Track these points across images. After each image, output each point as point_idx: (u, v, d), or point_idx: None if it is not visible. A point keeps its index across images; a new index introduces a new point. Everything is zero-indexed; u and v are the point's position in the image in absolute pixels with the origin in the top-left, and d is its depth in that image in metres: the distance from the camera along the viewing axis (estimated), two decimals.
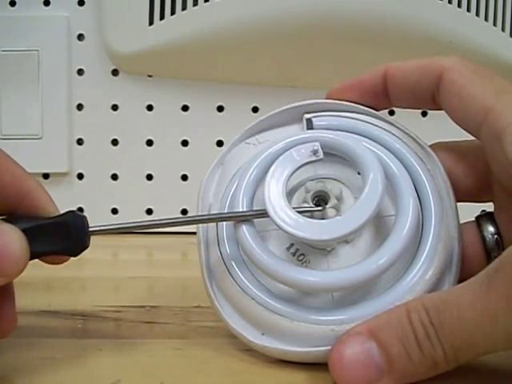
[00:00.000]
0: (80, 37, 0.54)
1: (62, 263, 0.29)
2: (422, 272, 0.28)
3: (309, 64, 0.53)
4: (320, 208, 0.30)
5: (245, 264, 0.30)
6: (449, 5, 0.51)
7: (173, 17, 0.51)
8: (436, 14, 0.51)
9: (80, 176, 0.55)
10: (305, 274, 0.28)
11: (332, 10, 0.50)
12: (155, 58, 0.53)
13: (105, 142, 0.55)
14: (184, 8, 0.51)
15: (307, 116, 0.32)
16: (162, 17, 0.51)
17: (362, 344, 0.25)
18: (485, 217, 0.32)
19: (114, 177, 0.55)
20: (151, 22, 0.52)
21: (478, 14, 0.53)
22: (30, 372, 0.27)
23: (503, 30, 0.54)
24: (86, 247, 0.28)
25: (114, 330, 0.33)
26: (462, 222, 0.31)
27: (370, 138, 0.31)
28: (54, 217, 0.28)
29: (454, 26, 0.52)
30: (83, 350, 0.29)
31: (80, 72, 0.54)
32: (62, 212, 0.28)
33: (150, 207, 0.56)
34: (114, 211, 0.55)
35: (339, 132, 0.31)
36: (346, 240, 0.30)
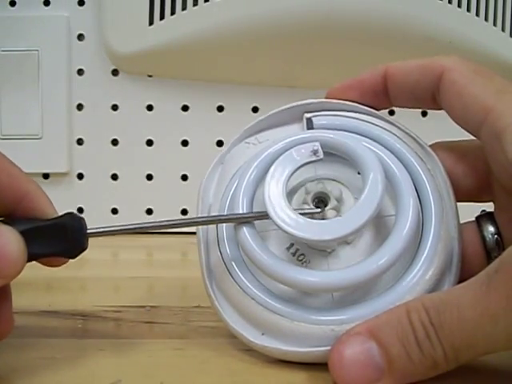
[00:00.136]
0: (80, 37, 0.54)
1: (60, 265, 0.29)
2: (422, 272, 0.28)
3: (309, 64, 0.53)
4: (320, 210, 0.30)
5: (245, 264, 0.30)
6: (449, 5, 0.51)
7: (173, 17, 0.51)
8: (436, 14, 0.51)
9: (80, 176, 0.55)
10: (305, 274, 0.28)
11: (332, 10, 0.50)
12: (155, 58, 0.53)
13: (105, 142, 0.55)
14: (184, 8, 0.51)
15: (307, 115, 0.32)
16: (162, 17, 0.51)
17: (362, 344, 0.25)
18: (485, 217, 0.31)
19: (114, 177, 0.55)
20: (151, 22, 0.52)
21: (478, 14, 0.53)
22: (30, 372, 0.27)
23: (503, 30, 0.54)
24: (83, 249, 0.28)
25: (114, 330, 0.33)
26: (462, 222, 0.31)
27: (370, 138, 0.31)
28: (52, 219, 0.28)
29: (454, 26, 0.52)
30: (83, 350, 0.29)
31: (80, 72, 0.54)
32: (60, 214, 0.28)
33: (150, 207, 0.56)
34: (114, 211, 0.55)
35: (339, 132, 0.31)
36: (346, 241, 0.30)
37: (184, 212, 0.55)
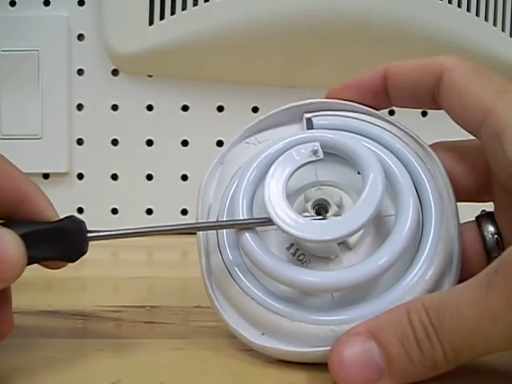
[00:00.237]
0: (80, 37, 0.54)
1: (59, 268, 0.29)
2: (422, 272, 0.28)
3: (309, 64, 0.53)
4: (321, 217, 0.30)
5: (245, 264, 0.30)
6: (449, 5, 0.51)
7: (173, 17, 0.51)
8: (436, 13, 0.51)
9: (80, 176, 0.55)
10: (305, 274, 0.28)
11: (332, 10, 0.50)
12: (155, 58, 0.53)
13: (105, 142, 0.55)
14: (184, 8, 0.51)
15: (307, 115, 0.32)
16: (162, 17, 0.51)
17: (362, 344, 0.25)
18: (485, 217, 0.31)
19: (114, 177, 0.55)
20: (151, 22, 0.52)
21: (478, 14, 0.53)
22: (30, 372, 0.27)
23: (503, 30, 0.54)
24: (83, 253, 0.28)
25: (114, 330, 0.33)
26: (462, 222, 0.31)
27: (370, 138, 0.31)
28: (53, 222, 0.28)
29: (454, 26, 0.52)
30: (83, 350, 0.29)
31: (80, 72, 0.54)
32: (61, 216, 0.28)
33: (150, 207, 0.56)
34: (114, 211, 0.55)
35: (339, 132, 0.31)
36: (348, 246, 0.30)
37: (184, 212, 0.55)
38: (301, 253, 0.30)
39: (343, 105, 0.32)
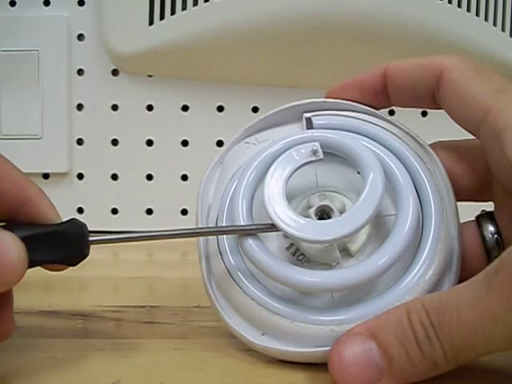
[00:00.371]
0: (80, 37, 0.54)
1: (60, 271, 0.29)
2: (422, 272, 0.28)
3: (309, 64, 0.53)
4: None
5: (245, 264, 0.30)
6: (449, 5, 0.51)
7: (173, 17, 0.51)
8: (436, 14, 0.51)
9: (80, 176, 0.55)
10: (304, 274, 0.28)
11: (332, 10, 0.50)
12: (155, 58, 0.53)
13: (105, 142, 0.55)
14: (184, 8, 0.51)
15: (307, 115, 0.32)
16: (162, 17, 0.51)
17: (362, 344, 0.25)
18: (485, 216, 0.31)
19: (114, 177, 0.55)
20: (151, 22, 0.52)
21: (477, 14, 0.53)
22: (30, 372, 0.27)
23: (503, 30, 0.54)
24: (85, 257, 0.28)
25: (114, 330, 0.33)
26: (461, 221, 0.31)
27: (369, 138, 0.31)
28: (54, 225, 0.27)
29: (454, 26, 0.52)
30: (83, 350, 0.29)
31: (80, 72, 0.54)
32: (62, 218, 0.28)
33: (150, 207, 0.56)
34: (114, 211, 0.55)
35: (339, 131, 0.31)
36: (350, 254, 0.30)
37: (184, 212, 0.55)
38: (300, 253, 0.30)
39: (343, 104, 0.32)
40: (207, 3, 0.50)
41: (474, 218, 0.32)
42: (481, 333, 0.24)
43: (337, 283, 0.27)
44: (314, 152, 0.30)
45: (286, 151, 0.30)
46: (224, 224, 0.30)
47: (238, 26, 0.51)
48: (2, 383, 0.26)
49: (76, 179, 0.55)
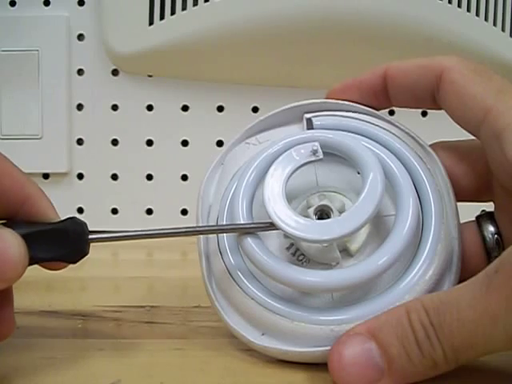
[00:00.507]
0: (80, 37, 0.54)
1: (60, 269, 0.29)
2: (421, 272, 0.28)
3: (309, 64, 0.53)
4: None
5: (245, 264, 0.30)
6: (449, 5, 0.51)
7: (173, 17, 0.51)
8: (436, 14, 0.51)
9: (80, 176, 0.55)
10: (305, 274, 0.28)
11: (332, 10, 0.50)
12: (155, 58, 0.53)
13: (105, 142, 0.55)
14: (184, 8, 0.51)
15: (307, 116, 0.32)
16: (162, 17, 0.51)
17: (362, 344, 0.25)
18: (485, 217, 0.31)
19: (114, 177, 0.55)
20: (151, 22, 0.52)
21: (477, 14, 0.53)
22: (30, 372, 0.27)
23: (503, 30, 0.54)
24: (85, 255, 0.28)
25: (114, 330, 0.33)
26: (462, 221, 0.31)
27: (369, 138, 0.31)
28: (54, 223, 0.28)
29: (454, 26, 0.52)
30: (83, 350, 0.29)
31: (80, 72, 0.54)
32: (62, 218, 0.28)
33: (150, 207, 0.56)
34: (114, 211, 0.55)
35: (339, 132, 0.31)
36: (350, 254, 0.30)
37: (184, 212, 0.55)
38: (300, 253, 0.30)
39: (343, 105, 0.32)
40: (207, 3, 0.50)
41: (474, 218, 0.32)
42: (481, 333, 0.24)
43: (337, 283, 0.27)
44: (314, 152, 0.30)
45: (286, 151, 0.30)
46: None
47: (238, 25, 0.51)
48: (2, 383, 0.26)
49: (76, 179, 0.55)
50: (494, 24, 0.53)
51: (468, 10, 0.52)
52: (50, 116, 0.53)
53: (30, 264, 0.26)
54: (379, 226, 0.30)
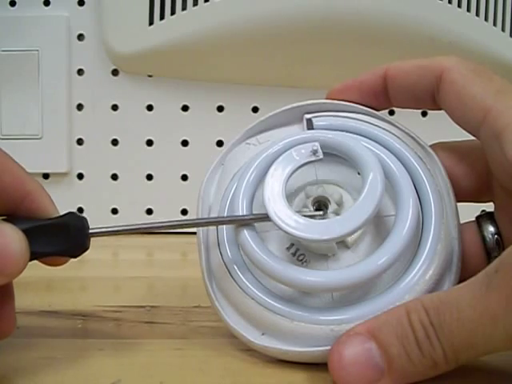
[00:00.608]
0: (80, 37, 0.54)
1: (61, 265, 0.29)
2: (421, 272, 0.28)
3: (309, 64, 0.53)
4: (321, 213, 0.30)
5: (245, 264, 0.30)
6: (449, 5, 0.51)
7: (173, 17, 0.51)
8: (436, 14, 0.51)
9: (80, 176, 0.55)
10: (305, 274, 0.28)
11: (332, 10, 0.50)
12: (155, 58, 0.53)
13: (105, 142, 0.55)
14: (184, 8, 0.51)
15: (307, 116, 0.32)
16: (162, 17, 0.51)
17: (362, 344, 0.25)
18: (485, 217, 0.32)
19: (114, 177, 0.55)
20: (151, 22, 0.52)
21: (477, 14, 0.53)
22: (30, 372, 0.27)
23: (503, 30, 0.54)
24: (86, 249, 0.28)
25: (114, 330, 0.33)
26: (462, 222, 0.31)
27: (370, 138, 0.31)
28: (54, 218, 0.28)
29: (454, 26, 0.52)
30: (83, 350, 0.29)
31: (80, 72, 0.54)
32: (62, 213, 0.28)
33: (150, 207, 0.56)
34: (114, 211, 0.55)
35: (339, 132, 0.31)
36: (346, 245, 0.30)
37: (184, 212, 0.55)
38: (301, 253, 0.30)
39: (343, 105, 0.32)
40: (207, 3, 0.51)
41: (474, 219, 0.32)
42: (481, 332, 0.24)
43: (337, 283, 0.27)
44: (314, 152, 0.30)
45: (286, 151, 0.30)
46: (225, 227, 0.30)
47: (237, 25, 0.51)
48: (2, 382, 0.26)
49: (76, 179, 0.55)
50: (494, 24, 0.53)
51: (468, 9, 0.52)
52: (49, 116, 0.54)
53: (31, 259, 0.26)
54: (379, 226, 0.30)
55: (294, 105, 0.33)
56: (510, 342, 0.24)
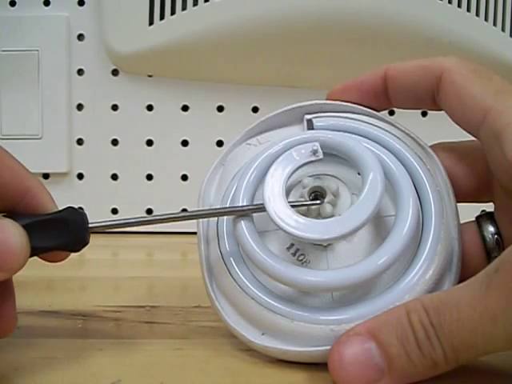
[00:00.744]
0: (80, 37, 0.54)
1: (62, 260, 0.29)
2: (421, 272, 0.28)
3: (309, 64, 0.53)
4: (318, 202, 0.30)
5: (244, 264, 0.30)
6: (449, 5, 0.51)
7: (173, 17, 0.51)
8: (436, 14, 0.51)
9: (80, 176, 0.55)
10: (305, 273, 0.28)
11: (332, 10, 0.50)
12: (155, 58, 0.53)
13: (105, 142, 0.55)
14: (184, 8, 0.51)
15: (308, 117, 0.32)
16: (162, 17, 0.51)
17: (362, 344, 0.25)
18: (485, 217, 0.32)
19: (114, 177, 0.55)
20: (151, 22, 0.52)
21: (477, 14, 0.53)
22: (30, 372, 0.27)
23: (503, 30, 0.54)
24: (86, 243, 0.28)
25: (114, 330, 0.33)
26: (462, 222, 0.31)
27: (370, 139, 0.31)
28: (54, 213, 0.28)
29: (454, 26, 0.52)
30: (83, 350, 0.29)
31: (80, 72, 0.54)
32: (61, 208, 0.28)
33: (150, 207, 0.56)
34: (114, 211, 0.55)
35: (339, 133, 0.31)
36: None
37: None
38: (301, 253, 0.30)
39: (343, 106, 0.32)
40: (207, 3, 0.51)
41: (474, 219, 0.32)
42: (481, 332, 0.24)
43: (337, 283, 0.27)
44: (314, 152, 0.30)
45: (286, 151, 0.30)
46: (225, 225, 0.31)
47: (238, 25, 0.51)
48: (2, 382, 0.26)
49: (76, 179, 0.55)
50: (494, 24, 0.53)
51: (468, 9, 0.52)
52: (49, 116, 0.54)
53: (32, 255, 0.26)
54: (379, 226, 0.30)
55: (295, 105, 0.33)
56: (509, 341, 0.24)
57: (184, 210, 0.55)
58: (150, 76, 0.54)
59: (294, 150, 0.30)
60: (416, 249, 0.29)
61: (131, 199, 0.56)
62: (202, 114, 0.55)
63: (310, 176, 0.31)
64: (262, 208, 0.29)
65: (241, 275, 0.30)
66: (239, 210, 0.29)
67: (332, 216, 0.29)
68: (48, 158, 0.54)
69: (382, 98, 0.32)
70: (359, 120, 0.32)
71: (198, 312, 0.35)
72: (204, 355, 0.29)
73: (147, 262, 0.50)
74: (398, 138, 0.31)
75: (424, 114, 0.54)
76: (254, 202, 0.30)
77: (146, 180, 0.56)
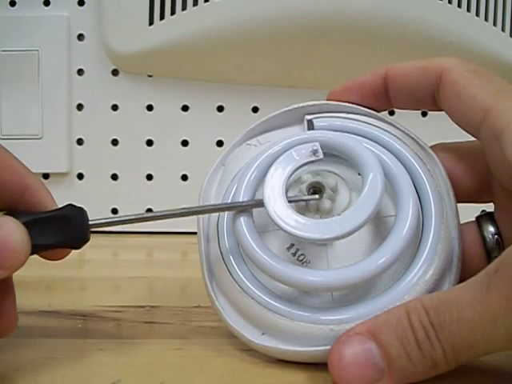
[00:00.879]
0: (80, 37, 0.54)
1: (62, 258, 0.29)
2: (422, 272, 0.28)
3: (309, 64, 0.53)
4: (316, 196, 0.30)
5: (245, 263, 0.30)
6: (449, 5, 0.51)
7: (173, 17, 0.51)
8: (436, 14, 0.51)
9: (80, 176, 0.55)
10: (305, 273, 0.28)
11: (332, 11, 0.50)
12: (155, 58, 0.53)
13: (105, 142, 0.55)
14: (184, 8, 0.51)
15: (308, 117, 0.32)
16: (162, 17, 0.51)
17: (362, 344, 0.25)
18: (485, 217, 0.32)
19: (114, 177, 0.55)
20: (151, 22, 0.52)
21: (477, 14, 0.53)
22: (30, 372, 0.27)
23: (503, 30, 0.54)
24: (86, 240, 0.28)
25: (114, 330, 0.33)
26: (462, 222, 0.31)
27: (370, 139, 0.31)
28: (54, 210, 0.28)
29: (454, 26, 0.52)
30: (83, 350, 0.29)
31: (80, 72, 0.54)
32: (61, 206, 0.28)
33: (150, 207, 0.56)
34: (114, 211, 0.55)
35: (340, 133, 0.31)
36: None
37: None
38: (301, 253, 0.30)
39: (344, 107, 0.32)
40: (207, 3, 0.51)
41: (474, 219, 0.32)
42: (480, 332, 0.24)
43: (337, 282, 0.27)
44: (314, 152, 0.30)
45: (286, 151, 0.30)
46: (225, 224, 0.31)
47: (237, 25, 0.51)
48: (2, 382, 0.26)
49: (76, 179, 0.55)
50: (494, 24, 0.53)
51: (468, 10, 0.52)
52: (49, 116, 0.54)
53: (33, 253, 0.26)
54: (379, 226, 0.30)
55: (295, 106, 0.33)
56: (509, 341, 0.24)
57: None
58: (149, 76, 0.54)
59: (294, 150, 0.30)
60: (416, 249, 0.29)
61: (131, 199, 0.56)
62: (202, 114, 0.55)
63: (308, 172, 0.31)
64: (261, 203, 0.29)
65: (241, 275, 0.30)
66: (238, 206, 0.29)
67: (331, 211, 0.29)
68: (48, 158, 0.54)
69: (383, 99, 0.32)
70: (359, 120, 0.32)
71: (197, 312, 0.35)
72: (204, 355, 0.29)
73: (147, 261, 0.50)
74: (398, 138, 0.31)
75: (424, 114, 0.54)
76: None
77: (145, 180, 0.56)
